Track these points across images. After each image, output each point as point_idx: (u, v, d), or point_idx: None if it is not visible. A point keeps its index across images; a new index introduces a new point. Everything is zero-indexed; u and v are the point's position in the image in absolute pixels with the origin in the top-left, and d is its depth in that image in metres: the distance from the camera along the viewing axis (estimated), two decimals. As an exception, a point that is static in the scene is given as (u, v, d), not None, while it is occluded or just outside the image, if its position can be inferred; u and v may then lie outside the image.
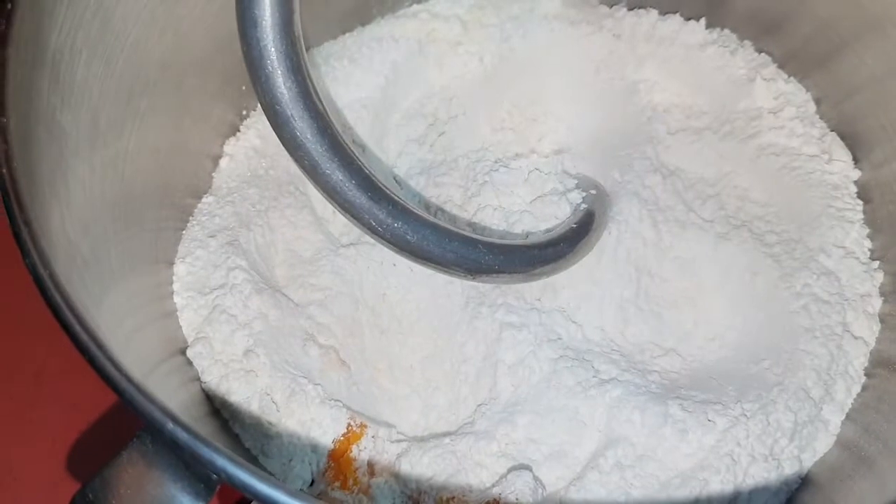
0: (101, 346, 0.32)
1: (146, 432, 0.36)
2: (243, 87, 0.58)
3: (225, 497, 0.60)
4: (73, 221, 0.41)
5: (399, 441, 0.51)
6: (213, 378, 0.49)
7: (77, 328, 0.32)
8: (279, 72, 0.40)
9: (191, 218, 0.55)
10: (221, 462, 0.29)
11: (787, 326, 0.52)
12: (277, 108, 0.41)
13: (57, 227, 0.39)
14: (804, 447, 0.49)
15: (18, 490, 0.60)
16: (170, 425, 0.30)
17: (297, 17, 0.40)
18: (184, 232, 0.54)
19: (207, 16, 0.53)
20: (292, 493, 0.28)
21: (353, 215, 0.44)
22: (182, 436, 0.30)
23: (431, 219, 0.46)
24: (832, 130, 0.58)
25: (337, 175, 0.42)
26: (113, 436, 0.62)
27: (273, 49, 0.40)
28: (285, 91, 0.40)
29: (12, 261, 0.33)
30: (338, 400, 0.50)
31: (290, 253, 0.56)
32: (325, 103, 0.43)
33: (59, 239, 0.38)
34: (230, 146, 0.59)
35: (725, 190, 0.58)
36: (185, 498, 0.35)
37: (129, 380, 0.31)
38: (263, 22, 0.39)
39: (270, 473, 0.48)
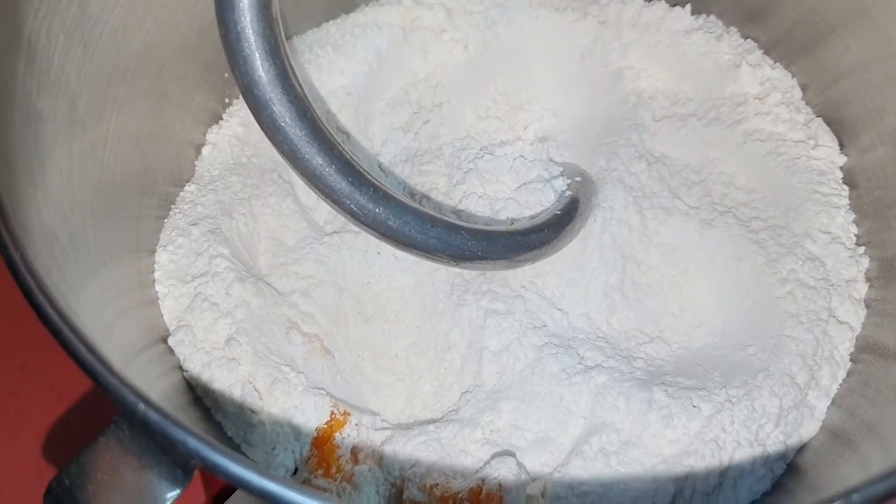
0: (73, 329, 0.32)
1: (123, 418, 0.35)
2: (225, 75, 0.58)
3: (208, 491, 0.60)
4: (51, 208, 0.40)
5: (383, 429, 0.51)
6: (195, 366, 0.48)
7: (49, 310, 0.31)
8: (257, 54, 0.39)
9: (172, 206, 0.55)
10: (194, 444, 0.29)
11: (772, 312, 0.52)
12: (255, 91, 0.40)
13: (33, 212, 0.38)
14: (790, 433, 0.49)
15: (1, 480, 0.60)
16: (141, 407, 0.29)
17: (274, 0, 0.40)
18: (165, 220, 0.54)
19: (188, 2, 0.53)
20: (265, 474, 0.28)
21: (333, 201, 0.43)
22: (153, 417, 0.29)
23: (414, 204, 0.46)
24: (818, 116, 0.58)
25: (317, 160, 0.42)
26: (95, 423, 0.61)
27: (250, 31, 0.39)
28: (263, 74, 0.40)
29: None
30: (321, 388, 0.50)
31: (274, 241, 0.56)
32: (305, 88, 0.42)
33: (35, 225, 0.38)
34: (212, 134, 0.59)
35: (711, 176, 0.58)
36: (163, 483, 0.34)
37: (102, 362, 0.31)
38: (240, 4, 0.39)
39: (253, 462, 0.48)
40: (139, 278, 0.50)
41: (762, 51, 0.61)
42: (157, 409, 0.29)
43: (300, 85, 0.42)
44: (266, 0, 0.39)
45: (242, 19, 0.39)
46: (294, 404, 0.49)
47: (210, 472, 0.30)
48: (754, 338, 0.52)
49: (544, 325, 0.53)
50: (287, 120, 0.41)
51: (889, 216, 0.52)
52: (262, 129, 0.42)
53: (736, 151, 0.58)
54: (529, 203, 0.56)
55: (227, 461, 0.29)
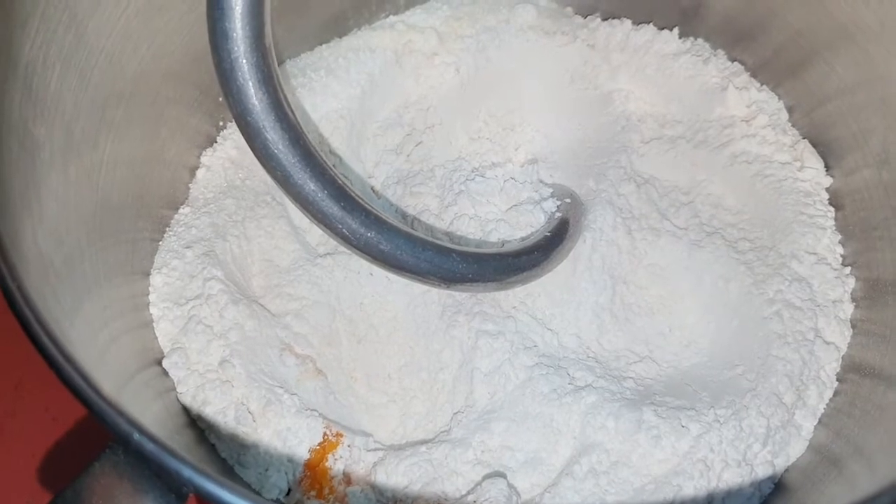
0: (68, 357, 0.32)
1: (118, 443, 0.36)
2: (220, 99, 0.59)
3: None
4: (46, 233, 0.41)
5: (375, 450, 0.51)
6: (189, 389, 0.49)
7: (45, 339, 0.32)
8: (250, 83, 0.40)
9: (167, 229, 0.55)
10: (187, 473, 0.29)
11: (759, 332, 0.53)
12: (249, 119, 0.41)
13: (28, 239, 0.39)
14: (777, 452, 0.50)
15: (-5, 502, 0.60)
16: (136, 436, 0.30)
17: (268, 30, 0.40)
18: (160, 243, 0.54)
19: (183, 28, 0.54)
20: (257, 502, 0.28)
21: (326, 225, 0.44)
22: (148, 447, 0.30)
23: (405, 228, 0.46)
24: (804, 138, 0.59)
25: (309, 185, 0.43)
26: (89, 447, 0.61)
27: (244, 61, 0.40)
28: (256, 102, 0.40)
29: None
30: (314, 409, 0.51)
31: (267, 263, 0.56)
32: (297, 114, 0.43)
33: (30, 251, 0.38)
34: (207, 157, 0.59)
35: (699, 198, 0.59)
36: (157, 509, 0.35)
37: (96, 390, 0.31)
38: (234, 34, 0.39)
39: (246, 483, 0.48)
40: (134, 301, 0.51)
41: (749, 73, 0.62)
42: (151, 438, 0.30)
43: (293, 112, 0.42)
44: (259, 31, 0.40)
45: (236, 49, 0.40)
46: (287, 426, 0.49)
47: (203, 499, 0.30)
48: (742, 358, 0.53)
49: (535, 346, 0.54)
50: (280, 147, 0.42)
51: (874, 237, 0.53)
52: (256, 156, 0.42)
53: (723, 173, 0.59)
54: (520, 224, 0.57)
55: (219, 489, 0.29)
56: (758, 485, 0.48)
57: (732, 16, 0.62)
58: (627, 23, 0.64)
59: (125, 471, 0.35)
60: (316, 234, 0.59)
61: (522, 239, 0.55)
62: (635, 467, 0.48)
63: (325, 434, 0.50)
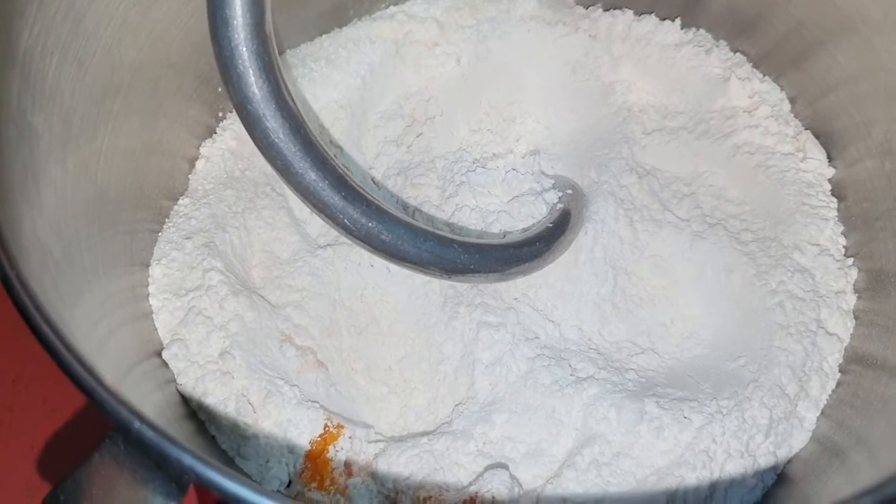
0: (68, 346, 0.32)
1: (118, 433, 0.36)
2: (219, 89, 0.58)
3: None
4: (45, 223, 0.41)
5: (376, 441, 0.51)
6: (189, 380, 0.49)
7: (44, 328, 0.32)
8: (250, 71, 0.40)
9: (166, 220, 0.55)
10: (189, 461, 0.29)
11: (762, 323, 0.53)
12: (249, 107, 0.41)
13: (27, 229, 0.39)
14: (780, 443, 0.49)
15: (-5, 495, 0.60)
16: (136, 424, 0.30)
17: (268, 17, 0.40)
18: (159, 234, 0.54)
19: (182, 17, 0.53)
20: (260, 491, 0.28)
21: (327, 215, 0.44)
22: (149, 435, 0.29)
23: (406, 218, 0.46)
24: (806, 129, 0.59)
25: (310, 175, 0.42)
26: (88, 437, 0.61)
27: (244, 49, 0.39)
28: (257, 90, 0.40)
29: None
30: (315, 401, 0.50)
31: (267, 254, 0.56)
32: (298, 103, 0.43)
33: (29, 241, 0.38)
34: (206, 148, 0.59)
35: (701, 189, 0.59)
36: (158, 498, 0.34)
37: (97, 378, 0.31)
38: (234, 22, 0.39)
39: (247, 475, 0.48)
40: (133, 292, 0.50)
41: (751, 64, 0.62)
42: (152, 426, 0.30)
43: (293, 101, 0.42)
44: (259, 18, 0.39)
45: (236, 37, 0.39)
46: (288, 417, 0.49)
47: (204, 488, 0.30)
48: (744, 349, 0.52)
49: (536, 337, 0.53)
50: (280, 136, 0.41)
51: (877, 227, 0.53)
52: (256, 145, 0.42)
53: (726, 164, 0.59)
54: (521, 215, 0.56)
55: (220, 477, 0.29)
56: (760, 476, 0.48)
57: (734, 6, 0.62)
58: (629, 13, 0.64)
59: (125, 461, 0.34)
60: (316, 225, 0.59)
61: (524, 230, 0.55)
62: (637, 458, 0.48)
63: (325, 425, 0.49)
